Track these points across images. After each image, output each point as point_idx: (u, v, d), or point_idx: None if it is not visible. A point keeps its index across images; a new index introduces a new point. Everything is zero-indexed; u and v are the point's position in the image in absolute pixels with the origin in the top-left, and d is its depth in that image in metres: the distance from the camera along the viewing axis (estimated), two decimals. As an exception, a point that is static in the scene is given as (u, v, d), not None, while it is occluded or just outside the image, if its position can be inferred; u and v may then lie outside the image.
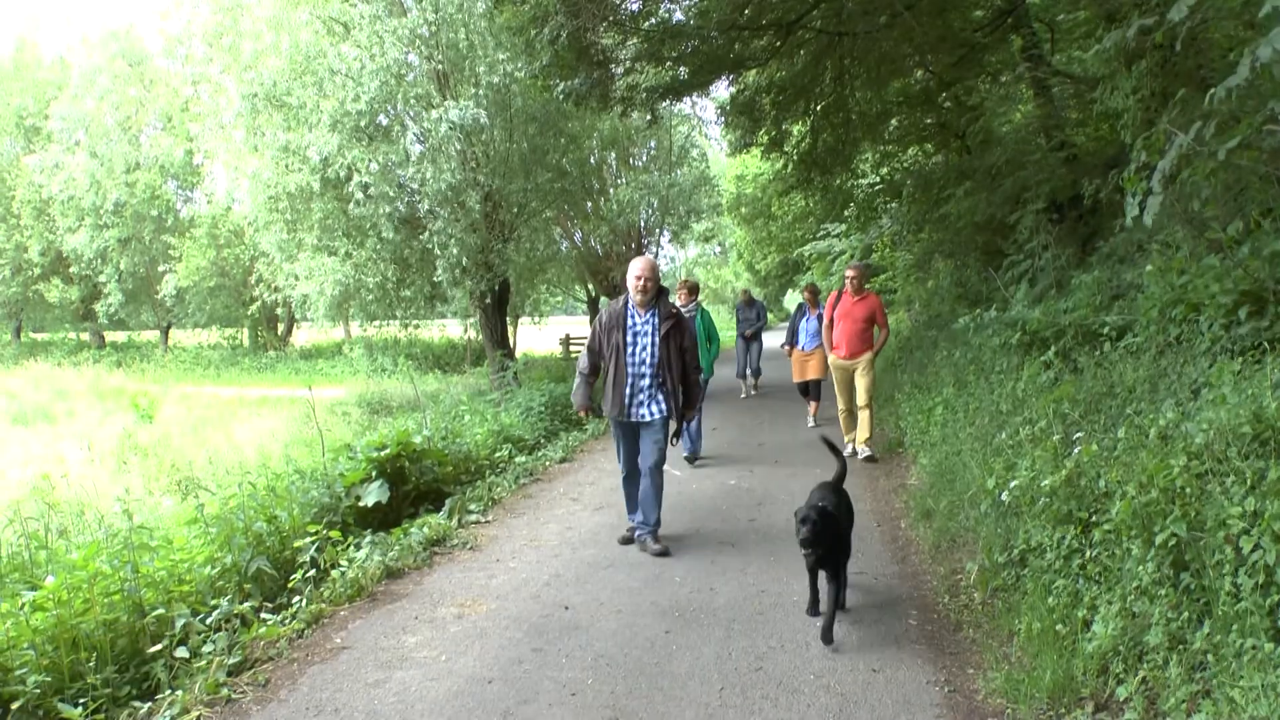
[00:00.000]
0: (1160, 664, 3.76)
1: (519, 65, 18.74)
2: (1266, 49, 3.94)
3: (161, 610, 5.35)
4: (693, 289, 10.69)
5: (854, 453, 10.42)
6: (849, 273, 10.47)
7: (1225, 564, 3.64)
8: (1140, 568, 4.09)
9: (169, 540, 6.35)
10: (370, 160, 18.79)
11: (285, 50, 18.88)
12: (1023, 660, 4.52)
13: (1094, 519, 4.82)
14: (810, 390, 13.76)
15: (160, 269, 39.59)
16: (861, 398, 10.29)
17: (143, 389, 28.56)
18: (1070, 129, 12.17)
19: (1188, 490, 4.08)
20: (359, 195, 18.84)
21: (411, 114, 19.15)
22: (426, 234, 19.80)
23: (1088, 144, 11.89)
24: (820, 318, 13.05)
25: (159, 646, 5.08)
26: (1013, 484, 5.70)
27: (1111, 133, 10.52)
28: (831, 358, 10.59)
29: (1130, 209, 4.93)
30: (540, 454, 11.51)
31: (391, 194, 19.09)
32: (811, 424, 13.50)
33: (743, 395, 17.79)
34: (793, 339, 13.90)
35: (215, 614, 5.55)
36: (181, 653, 5.07)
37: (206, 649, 5.16)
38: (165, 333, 45.12)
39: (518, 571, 6.73)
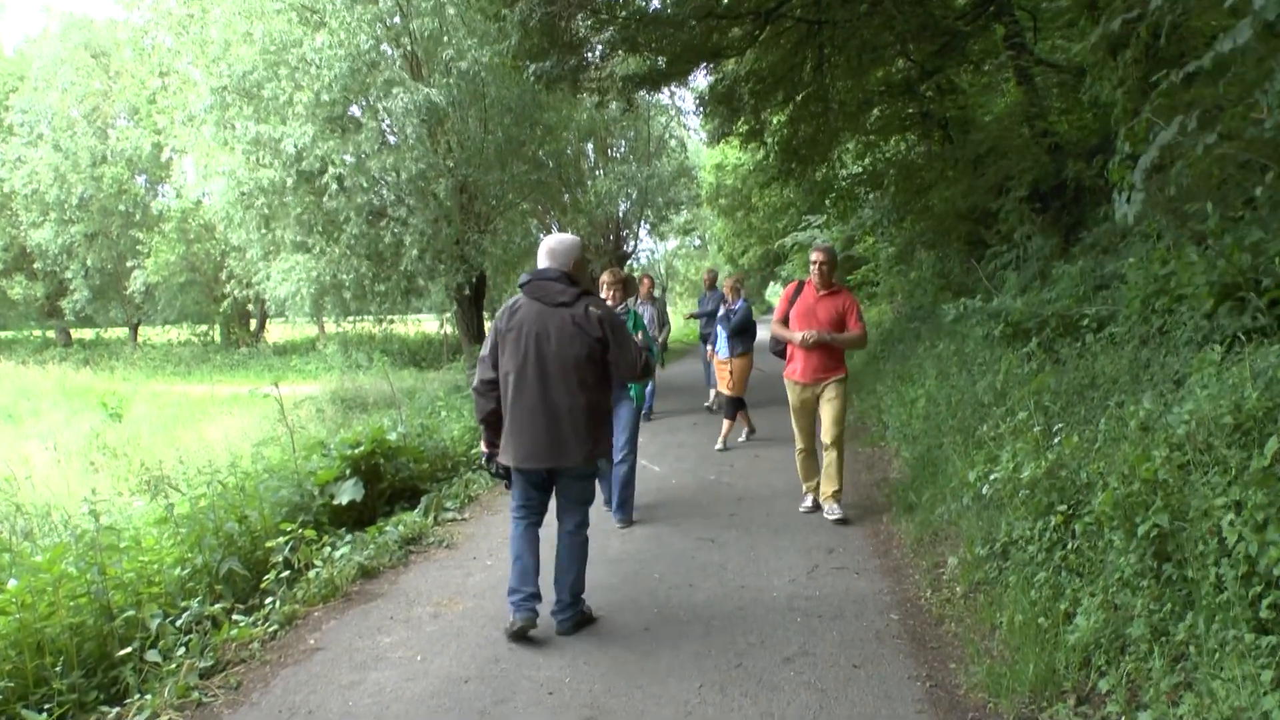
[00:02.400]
0: (1142, 656, 3.79)
1: (487, 50, 18.68)
2: (1229, 41, 3.97)
3: (130, 613, 5.32)
4: (625, 283, 8.16)
5: (814, 507, 7.97)
6: (815, 256, 7.65)
7: (1208, 555, 3.67)
8: (1122, 559, 4.12)
9: (138, 541, 6.31)
10: (344, 151, 18.71)
11: (258, 39, 18.76)
12: (1004, 654, 4.55)
13: (1076, 511, 4.85)
14: (730, 406, 11.52)
15: (129, 264, 39.24)
16: (828, 433, 7.57)
17: (111, 387, 28.33)
18: (1053, 117, 12.22)
19: (1170, 481, 4.11)
20: (334, 187, 18.75)
21: (383, 103, 19.06)
22: (390, 223, 19.72)
23: (1071, 132, 11.93)
24: (734, 315, 11.45)
25: (128, 650, 5.05)
26: (994, 476, 5.73)
27: (1095, 121, 10.57)
28: (787, 381, 7.90)
29: (1118, 205, 4.96)
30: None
31: (365, 184, 19.01)
32: (720, 446, 11.21)
33: (707, 403, 14.73)
34: (712, 340, 12.15)
35: (186, 616, 5.53)
36: (151, 656, 5.04)
37: (177, 652, 5.13)
38: (134, 330, 44.78)
39: (495, 569, 6.72)
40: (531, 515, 5.43)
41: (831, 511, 7.67)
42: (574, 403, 5.17)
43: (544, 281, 5.23)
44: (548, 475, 5.37)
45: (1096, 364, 6.61)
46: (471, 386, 5.38)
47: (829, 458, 7.66)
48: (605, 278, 7.88)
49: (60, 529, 5.78)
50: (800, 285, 7.90)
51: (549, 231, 29.90)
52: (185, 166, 31.34)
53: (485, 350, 5.32)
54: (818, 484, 7.93)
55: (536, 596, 5.34)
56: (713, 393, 14.14)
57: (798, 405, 7.82)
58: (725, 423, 11.39)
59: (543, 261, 5.31)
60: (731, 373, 11.29)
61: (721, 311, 11.83)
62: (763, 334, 11.28)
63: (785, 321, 7.81)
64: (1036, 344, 7.94)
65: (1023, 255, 11.48)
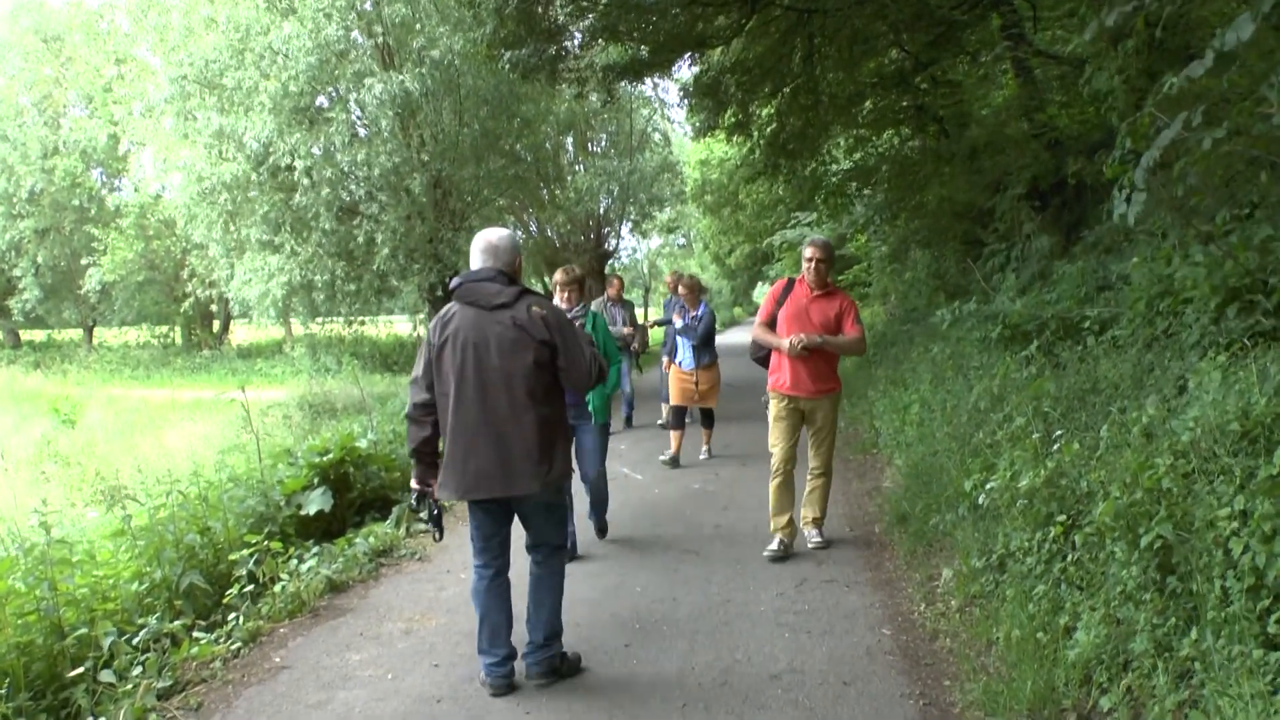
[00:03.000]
0: (1146, 672, 3.79)
1: (460, 38, 18.66)
2: (1232, 35, 3.98)
3: (83, 631, 5.28)
4: (577, 282, 7.31)
5: (782, 553, 6.98)
6: (810, 251, 6.92)
7: (1214, 567, 3.68)
8: (1124, 572, 4.13)
9: (92, 555, 6.26)
10: (313, 144, 18.65)
11: (221, 25, 18.70)
12: (1001, 670, 4.55)
13: (1076, 521, 4.86)
14: (685, 418, 11.05)
15: (83, 262, 38.90)
16: (817, 456, 7.13)
17: (63, 392, 28.17)
18: (1053, 111, 12.27)
19: (1174, 490, 4.12)
20: (305, 182, 18.69)
21: (355, 95, 19.02)
22: (361, 220, 19.68)
23: (1072, 127, 11.98)
24: (697, 322, 10.82)
25: (80, 670, 5.00)
26: (991, 485, 5.75)
27: (1097, 115, 10.60)
28: (771, 394, 7.13)
29: (1118, 205, 4.97)
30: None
31: (334, 179, 18.97)
32: (666, 459, 10.70)
33: (660, 420, 13.31)
34: (670, 350, 11.31)
35: (143, 633, 5.49)
36: (105, 676, 5.00)
37: (134, 672, 5.10)
38: (89, 331, 44.50)
39: (469, 583, 6.69)
40: (495, 562, 4.91)
41: (812, 537, 7.19)
42: (523, 419, 4.65)
43: (478, 283, 4.73)
44: (504, 509, 4.87)
45: (1098, 368, 6.64)
46: (407, 411, 4.85)
47: (814, 484, 7.18)
48: (558, 277, 7.36)
49: (7, 543, 5.71)
50: (790, 284, 7.07)
51: (527, 230, 29.90)
52: (144, 159, 31.24)
53: (417, 370, 4.83)
54: (790, 521, 7.03)
55: (512, 657, 4.93)
56: (664, 408, 12.48)
57: (781, 420, 6.98)
58: (703, 432, 11.19)
59: (478, 260, 4.80)
60: (698, 384, 10.72)
61: (679, 322, 11.03)
62: (739, 338, 11.04)
63: (772, 324, 7.00)
64: (1036, 347, 7.98)
65: (1021, 255, 11.54)
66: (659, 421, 13.33)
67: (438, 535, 5.19)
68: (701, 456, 11.02)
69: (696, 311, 10.91)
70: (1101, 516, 4.35)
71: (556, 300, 7.11)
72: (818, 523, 7.27)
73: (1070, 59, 11.45)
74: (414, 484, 4.95)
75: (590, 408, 7.11)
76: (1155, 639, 3.83)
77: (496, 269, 4.78)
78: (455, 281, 4.83)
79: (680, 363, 10.88)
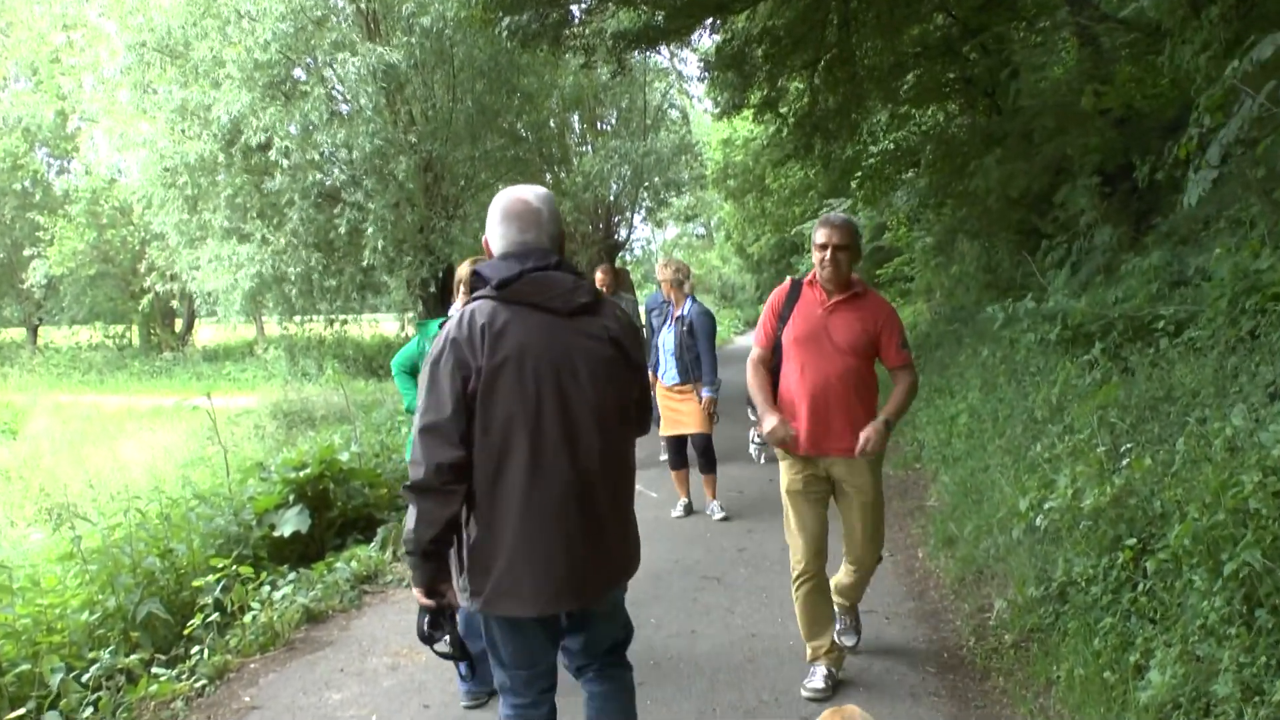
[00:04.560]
0: (1231, 718, 3.77)
1: (453, 2, 18.66)
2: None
3: (25, 666, 5.30)
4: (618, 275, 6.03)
5: (826, 683, 5.25)
6: (822, 235, 5.26)
7: (1308, 598, 3.66)
8: (1205, 603, 4.11)
9: (36, 581, 6.29)
10: (288, 122, 18.70)
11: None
12: (1063, 714, 4.54)
13: (1148, 546, 4.84)
14: (681, 451, 9.40)
15: (26, 253, 38.97)
16: (859, 550, 5.43)
17: (3, 398, 28.27)
18: (1122, 83, 12.21)
19: (1262, 511, 4.09)
20: (284, 163, 18.72)
21: (334, 67, 19.06)
22: (344, 208, 19.70)
23: (1144, 103, 11.92)
24: (683, 325, 8.97)
25: (21, 711, 5.02)
26: (1049, 505, 5.72)
27: (1173, 90, 10.54)
28: (780, 456, 5.47)
29: (1192, 187, 4.95)
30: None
31: (316, 160, 19.01)
32: (680, 512, 9.37)
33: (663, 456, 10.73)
34: (654, 362, 9.26)
35: (94, 669, 5.50)
36: (52, 718, 5.01)
37: (84, 714, 5.11)
38: (33, 331, 44.66)
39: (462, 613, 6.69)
40: (548, 695, 3.75)
41: (845, 632, 5.75)
42: (622, 487, 3.69)
43: (546, 272, 3.50)
44: (561, 621, 3.71)
45: (1173, 373, 6.60)
46: (412, 479, 3.32)
47: (853, 578, 5.58)
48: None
49: (-60, 567, 5.75)
50: (795, 287, 5.47)
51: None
52: (96, 138, 31.28)
53: (436, 406, 3.35)
54: (833, 644, 5.40)
55: None
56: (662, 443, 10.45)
57: (800, 497, 5.31)
58: (703, 480, 9.34)
59: (516, 232, 3.55)
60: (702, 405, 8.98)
61: (659, 325, 9.53)
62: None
63: (775, 350, 5.42)
64: (1100, 350, 7.94)
65: (1085, 247, 11.48)
66: (661, 457, 11.23)
67: (469, 672, 4.16)
68: (708, 512, 9.24)
69: (682, 310, 8.94)
70: (1178, 540, 4.32)
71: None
72: (851, 609, 5.76)
73: (1143, 24, 11.39)
74: (422, 597, 3.44)
75: None
76: (1242, 680, 3.80)
77: (550, 249, 3.58)
78: (506, 271, 3.47)
79: (663, 377, 9.14)
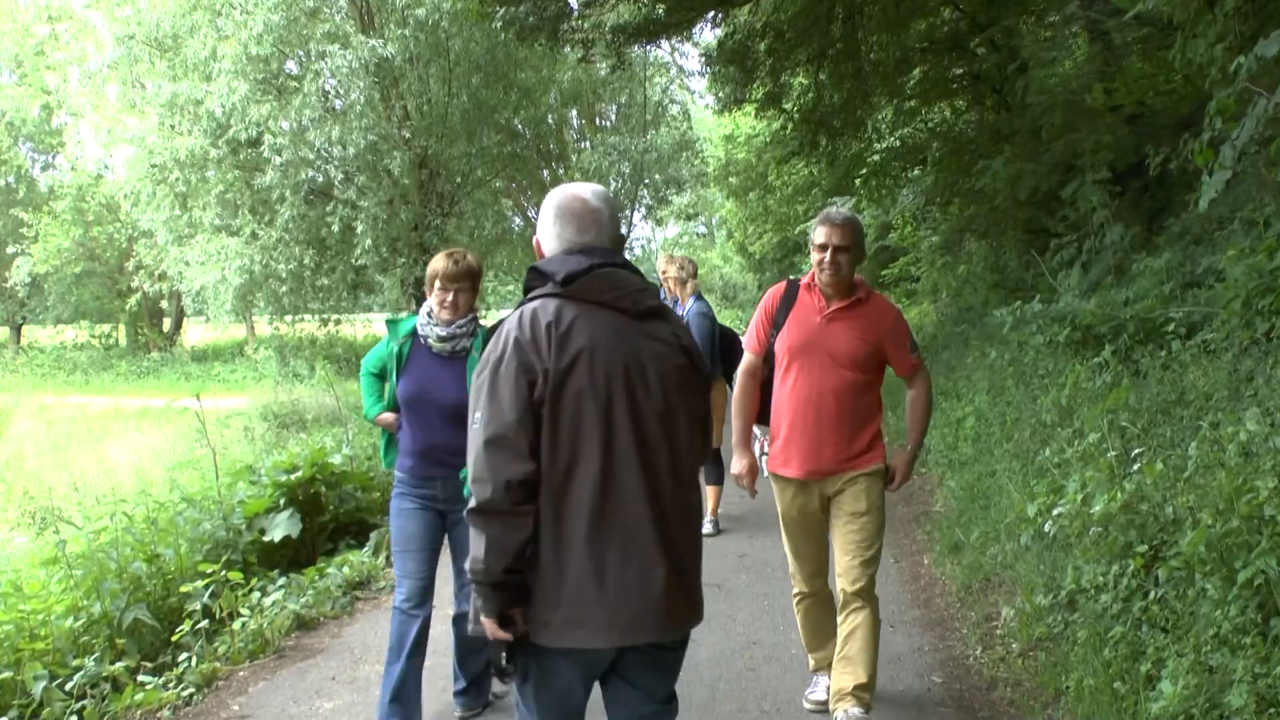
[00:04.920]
0: (1243, 729, 3.77)
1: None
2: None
3: (7, 674, 5.29)
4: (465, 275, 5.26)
5: (830, 695, 4.93)
6: (821, 234, 4.85)
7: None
8: (1218, 612, 4.10)
9: (18, 586, 6.28)
10: (281, 117, 18.68)
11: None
12: (1073, 726, 4.53)
13: (1159, 553, 4.84)
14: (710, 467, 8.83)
15: (10, 251, 39.00)
16: (851, 575, 4.88)
17: (-13, 400, 28.28)
18: (1134, 81, 12.21)
19: (1278, 518, 4.09)
20: (276, 159, 18.71)
21: (327, 60, 19.06)
22: (336, 205, 19.68)
23: (1156, 99, 11.92)
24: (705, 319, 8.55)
25: None
26: (1058, 510, 5.72)
27: (1186, 86, 10.52)
28: (771, 477, 5.13)
29: (1205, 190, 4.94)
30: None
31: (309, 157, 19.00)
32: (708, 529, 8.74)
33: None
34: None
35: (79, 677, 5.48)
36: (35, 726, 5.01)
37: (68, 721, 5.09)
38: (17, 330, 44.67)
39: (457, 621, 6.69)
40: None
41: (850, 716, 4.76)
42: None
43: (616, 270, 3.23)
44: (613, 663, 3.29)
45: (1186, 376, 6.61)
46: (478, 500, 3.00)
47: (852, 622, 4.88)
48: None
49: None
50: (791, 288, 5.10)
51: (525, 216, 29.89)
52: (82, 133, 31.29)
53: (509, 415, 3.02)
54: (831, 679, 5.00)
55: None
56: None
57: (793, 520, 5.06)
58: (708, 490, 8.88)
59: (579, 233, 3.26)
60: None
61: None
62: None
63: (768, 359, 5.12)
64: (1111, 352, 7.94)
65: (1095, 247, 11.48)
66: None
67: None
68: (705, 528, 8.54)
69: (684, 307, 8.68)
70: (1190, 547, 4.32)
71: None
72: (859, 693, 4.79)
73: (1155, 19, 11.40)
74: (496, 629, 3.08)
75: (467, 488, 4.76)
76: (1256, 691, 3.80)
77: (611, 251, 3.31)
78: (572, 265, 3.16)
79: None
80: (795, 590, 5.25)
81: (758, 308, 5.22)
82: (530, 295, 3.19)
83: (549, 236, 3.28)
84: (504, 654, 3.10)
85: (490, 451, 2.98)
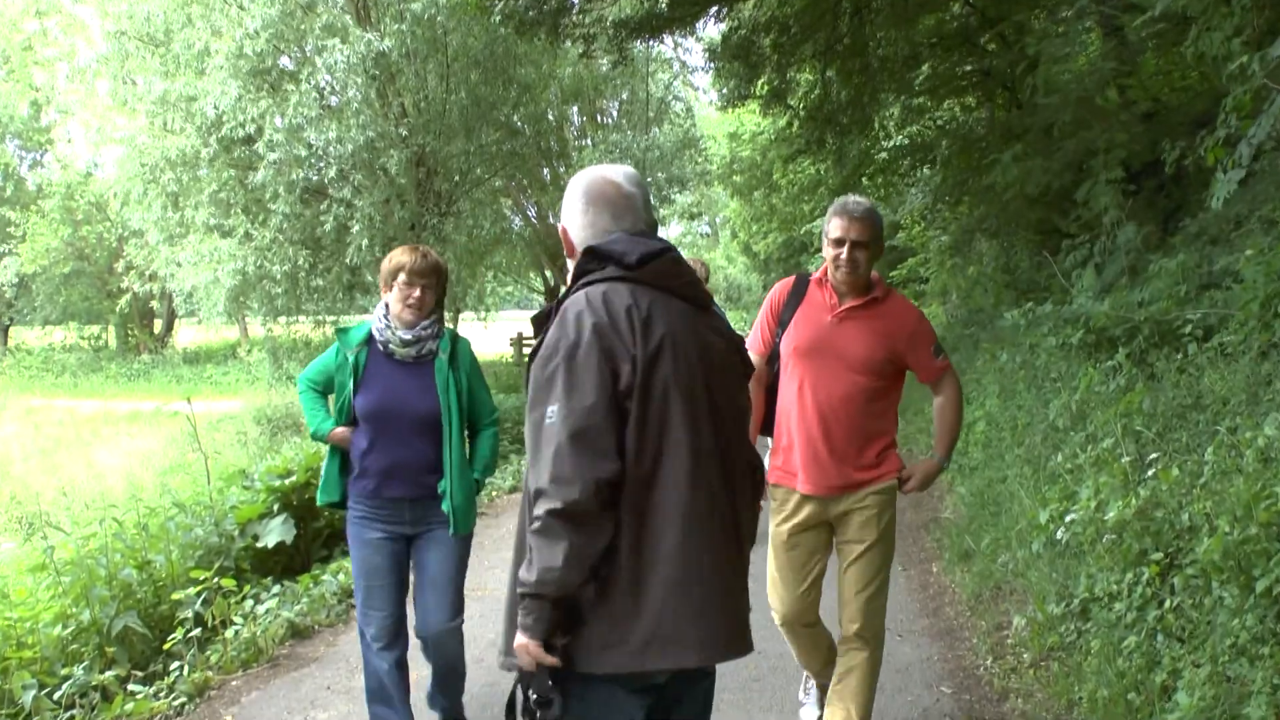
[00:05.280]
0: (1261, 741, 3.77)
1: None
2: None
3: (-5, 683, 5.28)
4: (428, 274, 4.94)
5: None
6: (837, 226, 4.51)
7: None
8: (1236, 621, 4.10)
9: (5, 593, 6.28)
10: (276, 114, 18.66)
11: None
12: (1087, 738, 4.53)
13: (1175, 560, 4.84)
14: None
15: (-4, 250, 39.09)
16: (853, 610, 4.61)
17: (-28, 402, 28.31)
18: (1149, 78, 12.20)
19: (1297, 524, 4.10)
20: (271, 157, 18.69)
21: (321, 54, 19.04)
22: (331, 204, 19.67)
23: (1171, 96, 11.91)
24: None
25: (-8, 729, 5.01)
26: (1071, 517, 5.73)
27: (1202, 82, 10.51)
28: (771, 489, 4.77)
29: (1219, 188, 4.94)
30: (486, 482, 11.45)
31: (301, 154, 18.98)
32: None
33: None
34: None
35: (67, 686, 5.48)
36: (23, 736, 5.01)
37: (57, 731, 5.09)
38: (4, 331, 44.64)
39: (455, 630, 6.68)
40: None
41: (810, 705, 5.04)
42: (756, 503, 3.28)
43: (678, 256, 3.08)
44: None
45: (1202, 380, 6.60)
46: (562, 503, 2.65)
47: (851, 660, 4.63)
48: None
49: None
50: (800, 284, 4.78)
51: (524, 215, 29.89)
52: (72, 131, 31.29)
53: (595, 408, 2.74)
54: (829, 659, 4.87)
55: None
56: None
57: (787, 550, 4.75)
58: None
59: (615, 220, 3.05)
60: None
61: None
62: None
63: (773, 360, 4.77)
64: (1125, 355, 7.94)
65: (1108, 247, 11.47)
66: None
67: None
68: None
69: None
70: (1207, 555, 4.32)
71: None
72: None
73: (1170, 14, 11.40)
74: (542, 653, 2.72)
75: (448, 501, 4.84)
76: (1275, 703, 3.80)
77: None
78: (643, 245, 2.96)
79: None
80: (779, 621, 4.83)
81: (763, 304, 4.87)
82: (587, 279, 2.92)
83: (579, 226, 3.07)
84: (548, 683, 2.72)
85: (575, 448, 2.69)
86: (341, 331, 5.01)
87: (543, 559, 2.65)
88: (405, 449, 4.72)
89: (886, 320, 4.54)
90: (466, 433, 4.99)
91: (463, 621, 4.94)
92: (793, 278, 4.86)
